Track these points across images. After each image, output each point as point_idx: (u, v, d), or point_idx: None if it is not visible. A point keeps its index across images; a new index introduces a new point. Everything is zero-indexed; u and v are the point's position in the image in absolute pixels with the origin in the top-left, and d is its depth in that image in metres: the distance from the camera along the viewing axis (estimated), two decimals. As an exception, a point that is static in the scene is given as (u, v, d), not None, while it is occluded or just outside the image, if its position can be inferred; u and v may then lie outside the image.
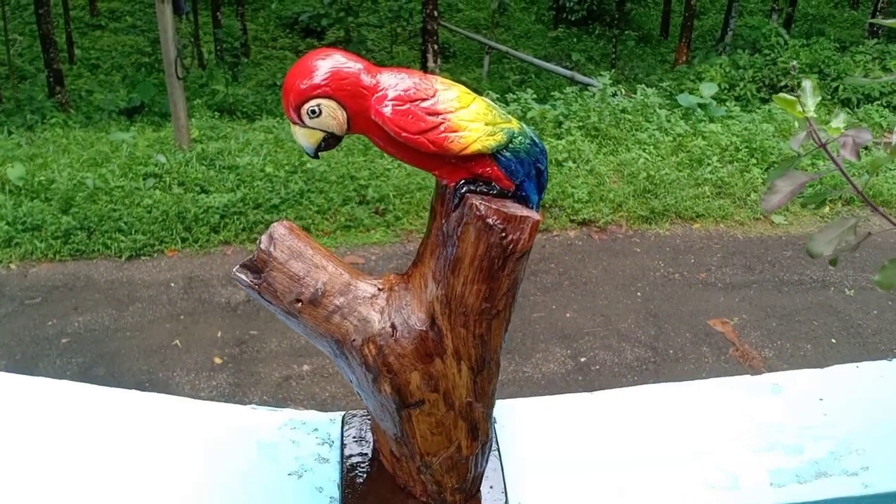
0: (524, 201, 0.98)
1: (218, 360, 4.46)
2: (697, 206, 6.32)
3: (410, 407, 0.99)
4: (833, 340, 4.73)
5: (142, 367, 4.39)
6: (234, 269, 0.97)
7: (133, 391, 1.17)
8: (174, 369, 4.37)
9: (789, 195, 0.91)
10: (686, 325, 4.85)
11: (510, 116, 0.98)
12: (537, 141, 1.00)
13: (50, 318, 4.81)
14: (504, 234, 0.92)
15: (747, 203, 6.45)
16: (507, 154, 0.95)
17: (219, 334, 4.68)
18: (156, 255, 5.56)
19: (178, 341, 4.61)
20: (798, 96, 0.92)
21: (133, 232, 5.63)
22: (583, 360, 4.50)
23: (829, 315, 4.98)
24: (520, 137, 0.97)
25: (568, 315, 4.94)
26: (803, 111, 0.91)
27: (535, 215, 0.94)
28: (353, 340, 0.96)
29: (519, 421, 1.22)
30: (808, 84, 0.94)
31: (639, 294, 5.20)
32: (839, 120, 0.93)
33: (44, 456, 1.14)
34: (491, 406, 1.04)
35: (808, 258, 5.01)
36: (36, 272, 5.33)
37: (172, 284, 5.22)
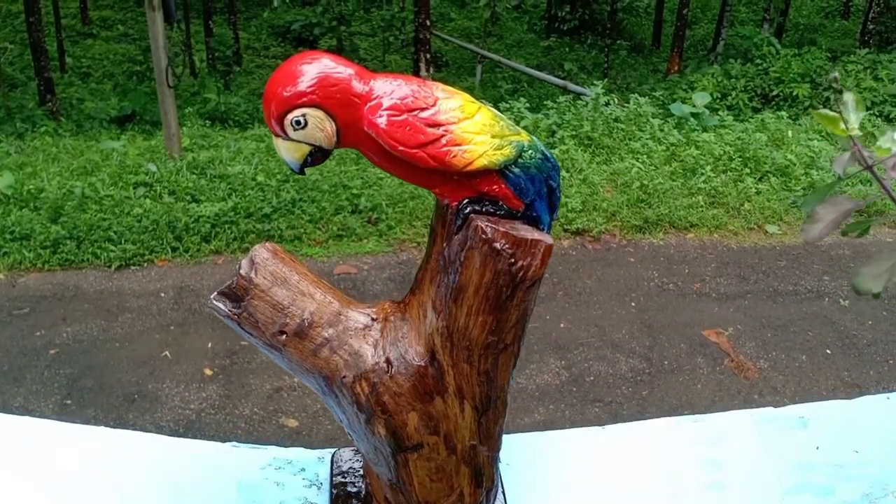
0: (534, 222, 0.87)
1: (208, 372, 4.38)
2: (691, 215, 6.28)
3: (408, 451, 0.88)
4: (828, 351, 4.68)
5: (131, 378, 4.31)
6: (212, 297, 0.86)
7: (102, 427, 1.07)
8: (164, 381, 4.29)
9: (832, 224, 0.80)
10: (680, 336, 4.79)
11: (519, 128, 0.86)
12: (549, 155, 0.89)
13: (38, 328, 4.73)
14: (513, 260, 0.81)
15: (741, 212, 6.41)
16: (516, 170, 0.84)
17: (209, 345, 4.60)
18: (146, 264, 5.49)
19: (167, 352, 4.53)
20: (839, 112, 0.82)
21: (123, 241, 5.56)
22: (577, 371, 4.42)
23: (823, 325, 4.93)
24: (530, 151, 0.86)
25: (562, 325, 4.88)
26: (847, 129, 0.81)
27: (547, 239, 0.83)
28: (344, 377, 0.85)
29: (526, 459, 1.12)
30: (849, 98, 0.83)
31: (633, 304, 5.14)
32: (887, 139, 0.82)
33: (7, 500, 1.04)
34: (497, 449, 0.94)
35: (803, 268, 4.88)
36: (24, 282, 5.24)
37: (162, 294, 5.14)
